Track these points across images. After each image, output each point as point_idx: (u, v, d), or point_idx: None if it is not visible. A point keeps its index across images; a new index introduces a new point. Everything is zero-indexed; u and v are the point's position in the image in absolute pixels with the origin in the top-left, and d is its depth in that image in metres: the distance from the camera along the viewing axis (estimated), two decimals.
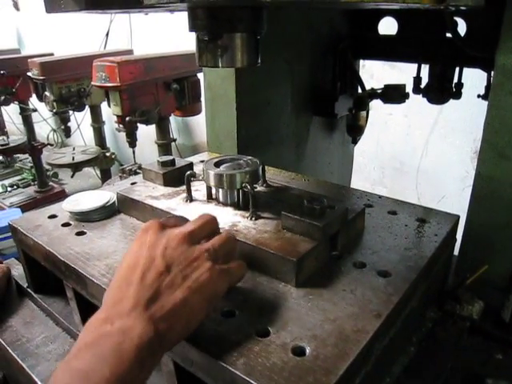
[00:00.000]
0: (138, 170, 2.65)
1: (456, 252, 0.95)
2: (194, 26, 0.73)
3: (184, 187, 0.91)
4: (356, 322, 0.59)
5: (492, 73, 0.86)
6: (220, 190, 0.88)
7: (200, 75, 2.67)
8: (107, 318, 0.50)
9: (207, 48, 0.75)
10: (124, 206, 0.94)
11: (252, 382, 0.51)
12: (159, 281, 0.54)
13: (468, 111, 2.08)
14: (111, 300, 0.54)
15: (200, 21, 0.72)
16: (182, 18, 0.78)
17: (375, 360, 0.60)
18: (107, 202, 0.91)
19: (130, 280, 0.54)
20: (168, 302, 0.52)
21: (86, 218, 0.90)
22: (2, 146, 3.66)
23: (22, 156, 4.36)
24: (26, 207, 3.35)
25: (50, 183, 4.02)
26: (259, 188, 0.95)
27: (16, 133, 4.56)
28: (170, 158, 1.02)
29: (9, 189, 3.93)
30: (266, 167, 1.00)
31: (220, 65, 0.76)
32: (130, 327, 0.49)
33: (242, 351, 0.55)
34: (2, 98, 3.28)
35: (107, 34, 3.51)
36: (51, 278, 0.89)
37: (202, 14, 0.71)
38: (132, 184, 1.02)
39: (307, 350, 0.55)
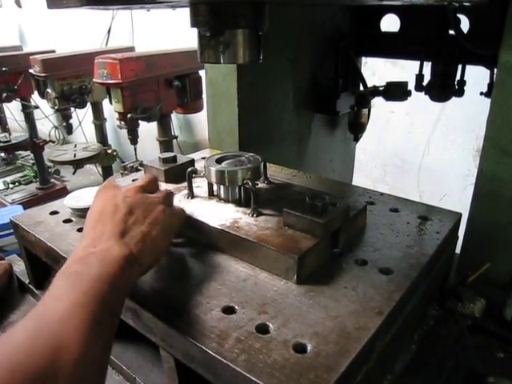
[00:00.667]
0: (139, 167, 2.65)
1: (458, 250, 0.95)
2: (195, 22, 0.73)
3: (185, 184, 0.91)
4: (357, 319, 0.59)
5: (495, 70, 0.86)
6: (221, 186, 0.87)
7: (202, 72, 2.66)
8: (89, 245, 0.61)
9: (209, 44, 0.74)
10: None
11: (253, 378, 0.50)
12: (126, 221, 0.65)
13: (470, 109, 2.06)
14: (90, 236, 0.63)
15: (202, 17, 0.71)
16: (183, 14, 0.78)
17: (376, 357, 0.60)
18: None
19: (103, 222, 0.64)
20: (136, 233, 0.63)
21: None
22: (4, 142, 3.67)
23: (23, 153, 4.37)
24: (27, 204, 3.35)
25: (52, 180, 4.03)
26: (261, 185, 0.94)
27: (18, 130, 4.57)
28: (172, 154, 1.02)
29: (11, 186, 3.93)
30: (268, 164, 1.00)
31: (222, 61, 0.75)
32: (110, 247, 0.59)
33: (242, 348, 0.55)
34: (4, 95, 3.29)
35: (109, 31, 3.51)
36: (53, 274, 0.90)
37: (204, 10, 0.71)
38: (133, 181, 1.02)
39: (308, 347, 0.55)
